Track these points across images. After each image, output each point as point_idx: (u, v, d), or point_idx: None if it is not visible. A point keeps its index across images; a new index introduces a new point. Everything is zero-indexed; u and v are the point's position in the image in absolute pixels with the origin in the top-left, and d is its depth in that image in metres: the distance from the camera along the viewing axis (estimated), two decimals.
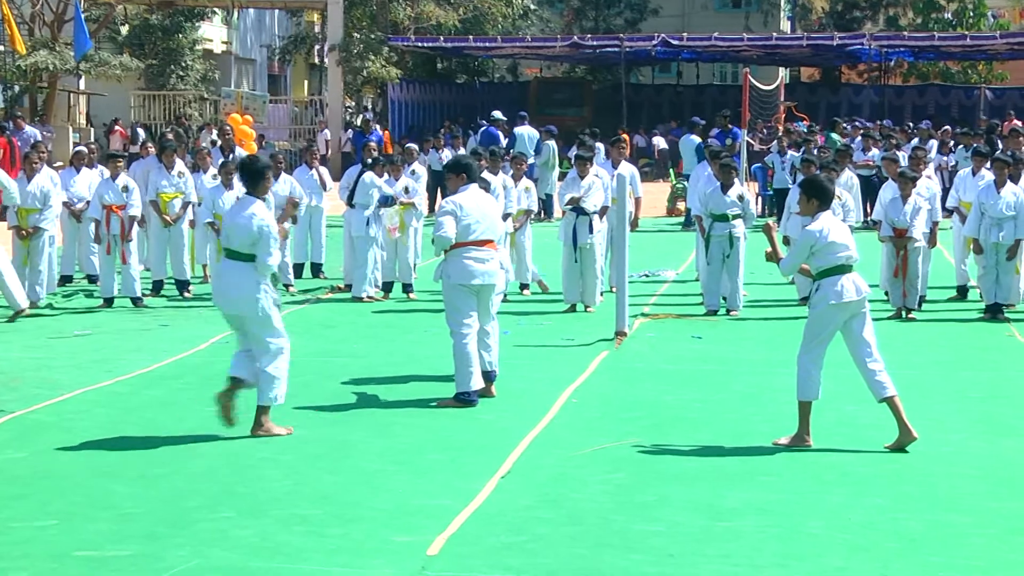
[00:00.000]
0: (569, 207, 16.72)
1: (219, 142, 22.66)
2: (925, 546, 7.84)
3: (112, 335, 15.36)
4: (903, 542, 7.91)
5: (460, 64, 56.00)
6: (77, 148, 20.66)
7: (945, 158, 28.66)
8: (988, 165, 17.80)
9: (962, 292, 18.04)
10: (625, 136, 23.44)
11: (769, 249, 10.42)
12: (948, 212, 18.64)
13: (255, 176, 10.62)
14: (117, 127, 41.64)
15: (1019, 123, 35.53)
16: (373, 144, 19.70)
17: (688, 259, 20.97)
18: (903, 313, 16.35)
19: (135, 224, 17.58)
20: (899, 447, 9.99)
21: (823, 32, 55.07)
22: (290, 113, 50.51)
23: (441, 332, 15.16)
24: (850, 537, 7.98)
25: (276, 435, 10.28)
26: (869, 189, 24.06)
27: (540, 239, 19.75)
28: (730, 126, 31.26)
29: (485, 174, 17.08)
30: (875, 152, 26.98)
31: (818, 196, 10.29)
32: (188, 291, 18.34)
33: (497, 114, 32.55)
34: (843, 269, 10.14)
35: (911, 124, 33.59)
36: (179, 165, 18.76)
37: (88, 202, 19.21)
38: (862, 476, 9.31)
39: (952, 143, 29.48)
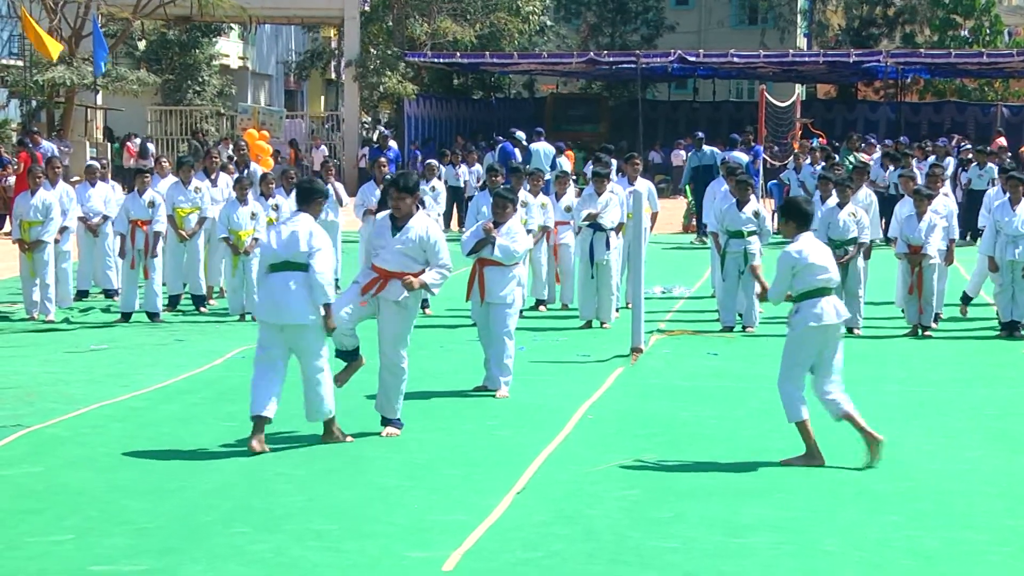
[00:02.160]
0: (586, 223, 16.74)
1: (235, 157, 22.71)
2: (941, 564, 7.82)
3: (128, 350, 15.39)
4: (918, 560, 7.89)
5: (476, 80, 56.05)
6: (89, 163, 20.75)
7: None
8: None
9: (965, 300, 17.99)
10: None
11: (759, 290, 10.41)
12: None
13: (308, 195, 10.85)
14: (129, 143, 41.79)
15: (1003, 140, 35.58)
16: (383, 160, 19.76)
17: (704, 276, 20.96)
18: (919, 330, 16.32)
19: (159, 239, 17.67)
20: (875, 456, 9.97)
21: (839, 49, 55.07)
22: (307, 128, 50.63)
23: (456, 348, 15.21)
24: (865, 554, 7.96)
25: (343, 440, 10.66)
26: (885, 206, 24.03)
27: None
28: (753, 143, 31.31)
29: (521, 192, 17.14)
30: (891, 169, 26.95)
31: (796, 218, 10.32)
32: (204, 306, 18.38)
33: (520, 134, 32.60)
34: (823, 292, 10.14)
35: (928, 141, 33.50)
36: (195, 181, 18.82)
37: (104, 216, 19.31)
38: (878, 493, 9.28)
39: (963, 160, 29.39)
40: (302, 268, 10.44)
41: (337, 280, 20.21)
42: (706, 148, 30.29)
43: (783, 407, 10.15)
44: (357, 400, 12.20)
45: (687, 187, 31.39)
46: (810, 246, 10.21)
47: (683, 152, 42.56)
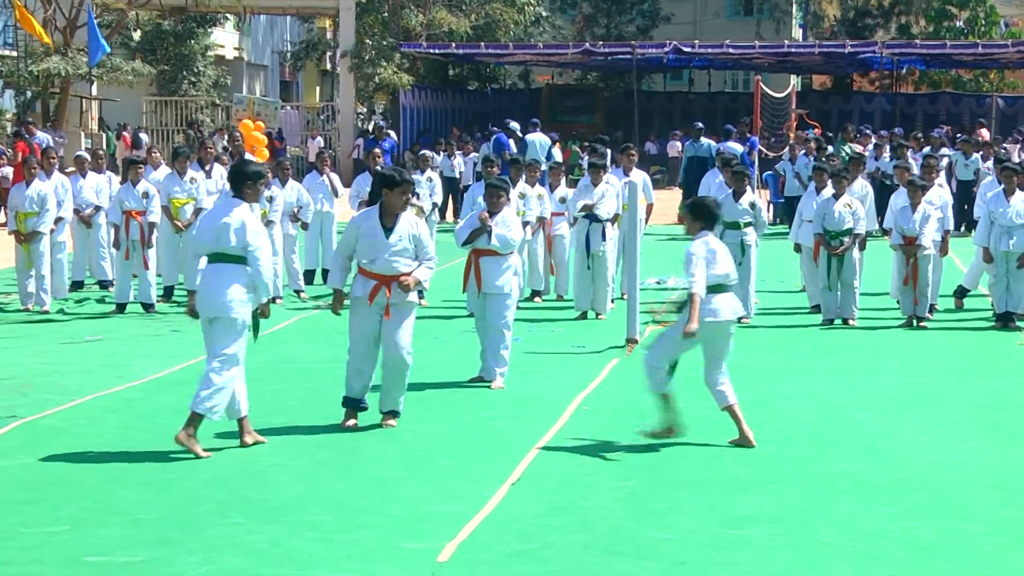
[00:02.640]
0: (582, 214, 16.73)
1: (230, 148, 22.68)
2: (936, 555, 7.83)
3: (123, 341, 15.38)
4: (914, 551, 7.89)
5: (472, 71, 56.04)
6: (77, 154, 20.71)
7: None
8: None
9: (961, 293, 18.00)
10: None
11: (692, 327, 10.30)
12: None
13: (240, 179, 10.29)
14: (125, 132, 41.73)
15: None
16: (378, 151, 19.76)
17: None
18: (914, 321, 16.33)
19: (154, 230, 17.65)
20: (739, 444, 10.33)
21: (835, 40, 55.09)
22: (302, 119, 50.61)
23: (451, 339, 15.21)
24: (861, 546, 7.96)
25: (194, 451, 9.86)
26: (886, 194, 24.02)
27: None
28: (748, 134, 31.29)
29: (521, 183, 17.14)
30: (886, 158, 26.99)
31: (704, 218, 10.58)
32: None
33: (514, 125, 32.58)
34: (720, 288, 10.36)
35: (922, 133, 33.52)
36: (191, 171, 18.79)
37: (96, 207, 19.27)
38: (873, 485, 9.29)
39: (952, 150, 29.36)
40: (235, 260, 10.04)
41: (326, 272, 20.22)
42: (703, 140, 30.27)
43: (647, 377, 10.44)
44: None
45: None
46: (714, 243, 10.47)
47: (679, 143, 42.52)
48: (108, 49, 35.90)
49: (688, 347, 10.44)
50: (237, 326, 10.04)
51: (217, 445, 10.25)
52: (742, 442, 10.33)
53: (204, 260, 10.21)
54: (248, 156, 21.95)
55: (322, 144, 43.65)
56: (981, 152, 27.74)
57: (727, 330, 10.51)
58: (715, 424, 10.74)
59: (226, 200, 10.50)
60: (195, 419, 9.92)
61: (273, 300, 10.49)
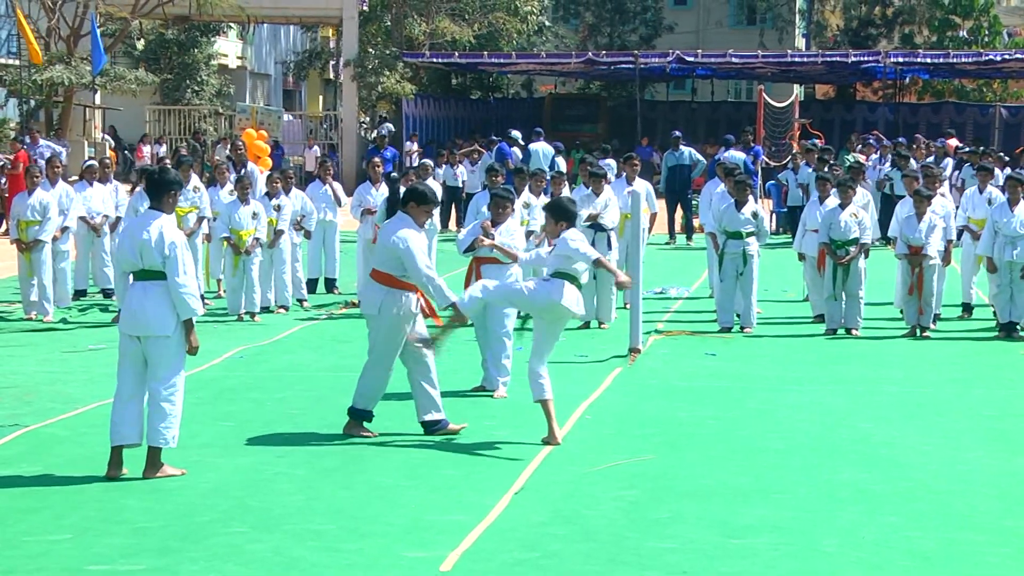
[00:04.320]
0: (586, 224, 16.73)
1: (232, 157, 22.68)
2: (939, 565, 7.83)
3: None
4: (917, 560, 7.89)
5: (475, 80, 56.05)
6: (89, 162, 20.73)
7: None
8: (993, 181, 18.01)
9: (967, 310, 18.04)
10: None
11: (621, 278, 11.30)
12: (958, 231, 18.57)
13: (158, 188, 9.81)
14: (141, 144, 41.83)
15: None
16: (377, 160, 19.78)
17: (701, 276, 20.96)
18: (918, 331, 16.33)
19: None
20: (547, 442, 10.63)
21: (838, 49, 55.04)
22: (305, 128, 50.63)
23: (453, 348, 15.19)
24: (864, 555, 7.96)
25: (172, 475, 9.63)
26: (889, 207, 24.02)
27: None
28: (752, 143, 31.27)
29: (525, 193, 17.15)
30: (886, 168, 27.01)
31: (564, 218, 10.90)
32: (202, 307, 18.35)
33: (516, 134, 32.56)
34: (572, 279, 10.71)
35: (927, 142, 33.44)
36: (194, 180, 18.80)
37: (105, 216, 19.29)
38: (876, 494, 9.29)
39: (957, 161, 29.31)
40: (160, 276, 9.58)
41: (333, 280, 20.29)
42: (683, 148, 30.26)
43: (530, 386, 10.75)
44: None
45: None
46: (574, 236, 10.82)
47: (653, 152, 42.05)
48: (105, 59, 35.91)
49: (555, 334, 10.90)
50: (171, 344, 9.64)
51: (220, 455, 10.25)
52: (550, 440, 10.63)
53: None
54: (251, 165, 21.95)
55: (319, 153, 43.66)
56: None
57: (566, 318, 10.86)
58: (717, 434, 10.74)
59: (144, 213, 9.95)
60: (155, 453, 9.65)
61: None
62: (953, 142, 35.44)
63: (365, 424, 10.98)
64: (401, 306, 10.79)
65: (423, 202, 10.91)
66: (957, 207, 18.43)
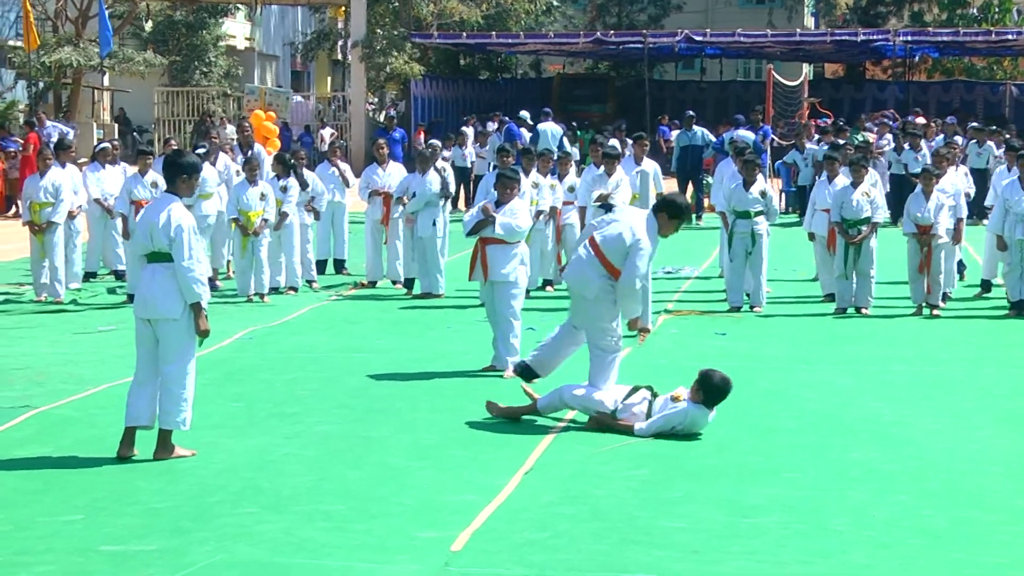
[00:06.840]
0: (597, 204, 16.70)
1: (238, 138, 22.62)
2: (949, 543, 7.82)
3: None
4: (927, 539, 7.89)
5: (483, 60, 55.99)
6: (102, 145, 20.70)
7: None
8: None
9: (986, 287, 17.99)
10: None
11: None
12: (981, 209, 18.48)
13: (172, 172, 9.83)
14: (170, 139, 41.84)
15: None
16: (382, 142, 19.77)
17: (711, 256, 20.94)
18: (924, 309, 16.29)
19: None
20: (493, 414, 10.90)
21: (847, 28, 54.88)
22: (313, 109, 50.59)
23: (464, 328, 15.21)
24: (874, 534, 7.96)
25: (182, 456, 9.61)
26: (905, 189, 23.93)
27: None
28: (762, 123, 31.21)
29: (532, 173, 17.14)
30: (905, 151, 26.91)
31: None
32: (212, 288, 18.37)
33: (524, 115, 32.51)
34: None
35: (937, 120, 33.34)
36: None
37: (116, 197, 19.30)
38: (886, 473, 9.28)
39: (964, 139, 29.19)
40: (168, 259, 9.58)
41: (343, 261, 20.29)
42: (696, 128, 30.22)
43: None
44: (361, 380, 12.25)
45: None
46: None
47: (667, 130, 41.90)
48: (111, 43, 35.87)
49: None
50: (180, 327, 9.63)
51: (230, 436, 10.27)
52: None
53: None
54: (258, 146, 21.91)
55: (335, 134, 43.64)
56: (994, 140, 27.61)
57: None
58: (727, 413, 10.74)
59: (160, 197, 10.04)
60: (166, 435, 9.65)
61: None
62: (920, 120, 35.24)
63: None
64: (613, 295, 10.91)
65: (675, 215, 10.98)
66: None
